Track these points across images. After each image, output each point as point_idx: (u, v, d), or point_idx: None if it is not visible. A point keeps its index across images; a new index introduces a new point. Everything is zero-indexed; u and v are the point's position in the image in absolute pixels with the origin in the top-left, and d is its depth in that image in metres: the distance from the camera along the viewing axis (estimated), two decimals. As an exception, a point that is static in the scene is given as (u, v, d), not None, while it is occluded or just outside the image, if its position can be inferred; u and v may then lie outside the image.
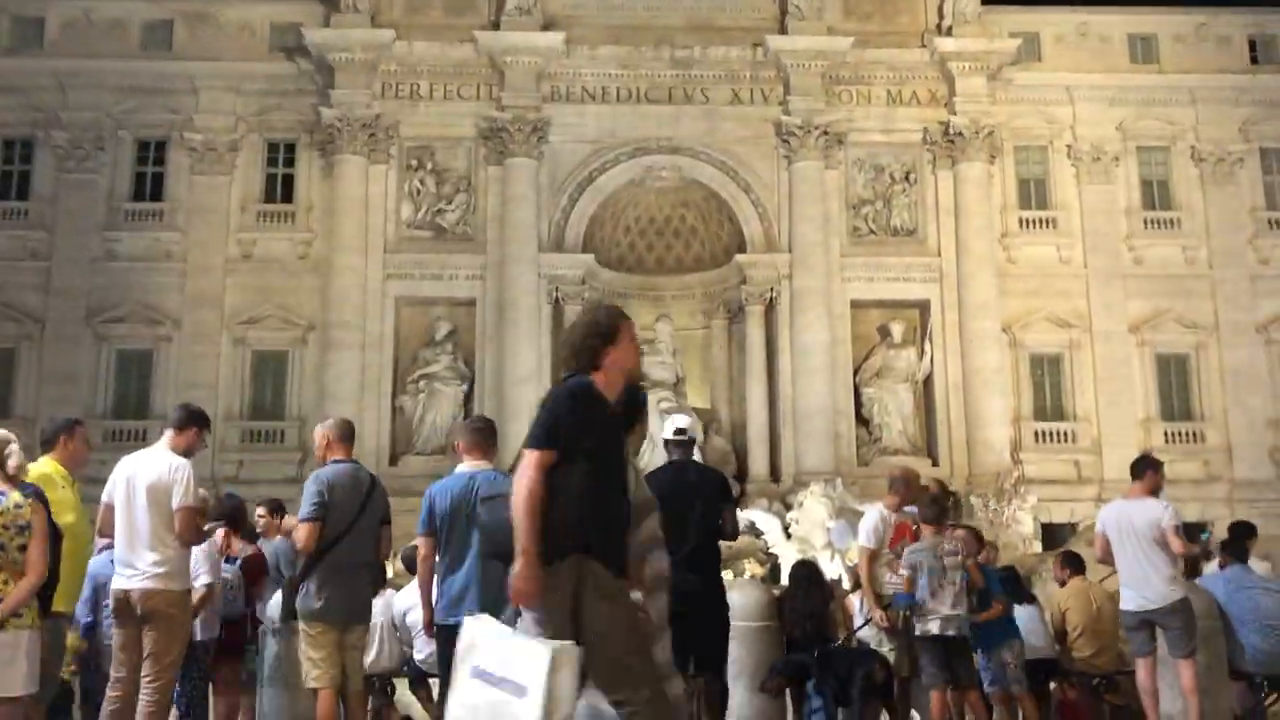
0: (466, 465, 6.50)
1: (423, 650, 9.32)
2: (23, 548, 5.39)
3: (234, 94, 30.04)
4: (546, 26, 29.38)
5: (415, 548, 10.51)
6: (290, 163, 30.09)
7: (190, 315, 29.12)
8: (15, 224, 29.68)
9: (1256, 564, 11.09)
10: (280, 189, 30.01)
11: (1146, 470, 9.16)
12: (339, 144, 28.77)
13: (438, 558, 6.35)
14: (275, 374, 29.31)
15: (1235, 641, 9.11)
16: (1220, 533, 13.98)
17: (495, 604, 6.14)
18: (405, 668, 9.66)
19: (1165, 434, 29.91)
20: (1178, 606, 8.72)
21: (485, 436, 6.60)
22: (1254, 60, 31.93)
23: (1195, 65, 31.45)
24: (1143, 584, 8.79)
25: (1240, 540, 10.28)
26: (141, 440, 28.43)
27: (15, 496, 5.53)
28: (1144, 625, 8.85)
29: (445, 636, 6.23)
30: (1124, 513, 9.04)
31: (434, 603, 6.47)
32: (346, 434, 7.06)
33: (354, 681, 6.54)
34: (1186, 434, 30.03)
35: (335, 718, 6.46)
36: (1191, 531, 30.27)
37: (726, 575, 23.76)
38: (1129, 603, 8.93)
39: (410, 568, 9.78)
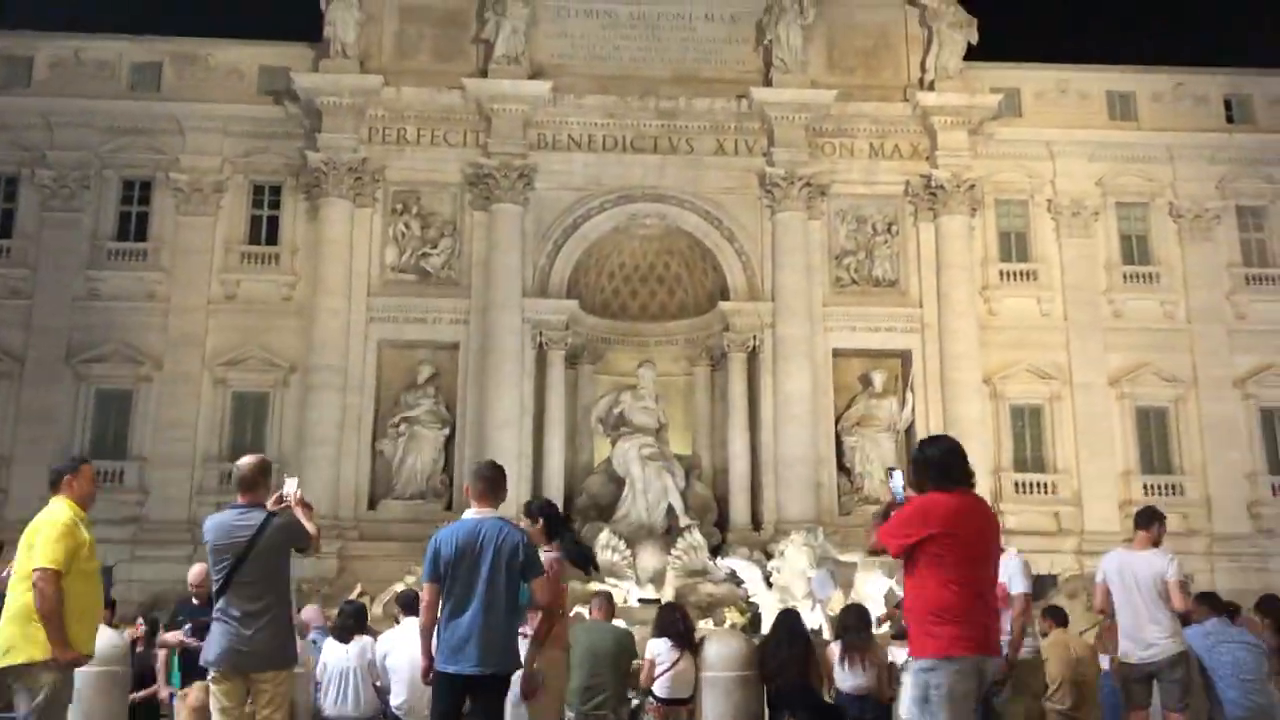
0: (474, 512, 6.36)
1: (400, 695, 9.21)
2: None
3: (221, 135, 30.14)
4: (534, 75, 29.66)
5: (411, 592, 10.40)
6: (275, 205, 30.16)
7: (171, 355, 29.00)
8: (-3, 261, 29.58)
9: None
10: (265, 231, 30.05)
11: (1153, 522, 9.19)
12: (325, 187, 28.86)
13: (441, 603, 6.19)
14: (256, 415, 29.17)
15: (1214, 696, 9.09)
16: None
17: (497, 654, 6.07)
18: (382, 714, 9.51)
19: (1145, 486, 30.01)
20: (1178, 660, 8.73)
21: (494, 485, 6.50)
22: (1230, 119, 32.49)
23: (1173, 123, 31.97)
24: (1143, 636, 8.75)
25: (1219, 599, 10.30)
26: (119, 481, 28.25)
27: None
28: (1144, 678, 8.83)
29: (444, 685, 6.12)
30: (1127, 563, 9.01)
31: (433, 650, 6.31)
32: (245, 481, 6.74)
33: None
34: (1166, 487, 30.13)
35: None
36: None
37: (707, 624, 23.68)
38: (1129, 655, 8.88)
39: (407, 610, 9.67)
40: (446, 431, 28.41)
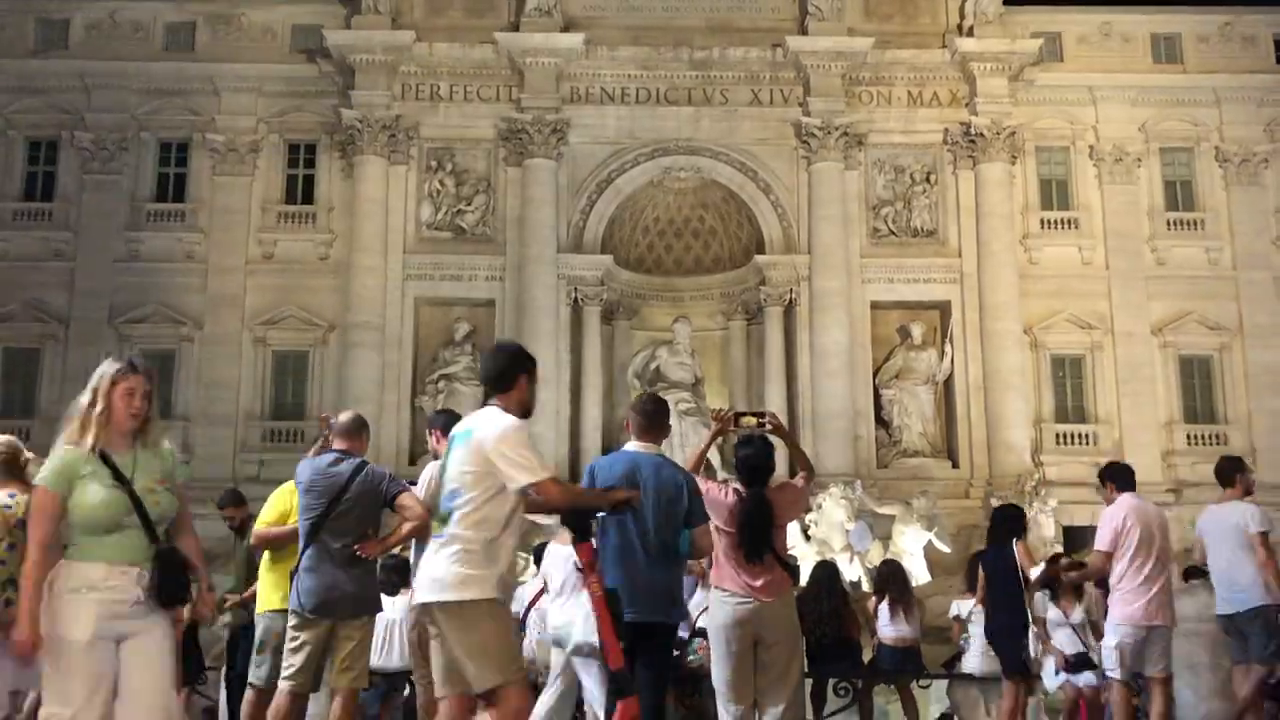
0: (635, 446, 6.00)
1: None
2: None
3: (255, 95, 30.19)
4: (566, 28, 29.41)
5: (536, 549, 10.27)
6: (311, 164, 30.23)
7: (212, 315, 29.29)
8: (40, 225, 29.92)
9: None
10: (301, 190, 30.15)
11: (1235, 475, 9.13)
12: (359, 145, 28.88)
13: (594, 542, 6.00)
14: (296, 374, 29.46)
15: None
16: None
17: (664, 603, 5.86)
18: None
19: (1188, 436, 29.71)
20: (1260, 611, 8.70)
21: (655, 421, 6.02)
22: (1279, 60, 31.64)
23: (1220, 65, 31.18)
24: (1229, 587, 8.81)
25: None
26: (163, 440, 28.66)
27: None
28: (1233, 629, 8.85)
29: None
30: (1215, 517, 9.09)
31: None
32: (344, 429, 6.70)
33: (339, 680, 6.24)
34: (1209, 436, 29.78)
35: (292, 716, 6.19)
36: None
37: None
38: (1220, 607, 8.97)
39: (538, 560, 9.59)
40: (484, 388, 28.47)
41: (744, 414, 6.49)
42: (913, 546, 24.25)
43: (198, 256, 29.64)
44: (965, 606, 9.25)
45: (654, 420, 6.02)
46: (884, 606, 9.16)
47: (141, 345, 29.29)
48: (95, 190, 29.85)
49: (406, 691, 8.20)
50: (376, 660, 9.53)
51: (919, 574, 24.07)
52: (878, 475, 27.65)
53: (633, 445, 6.05)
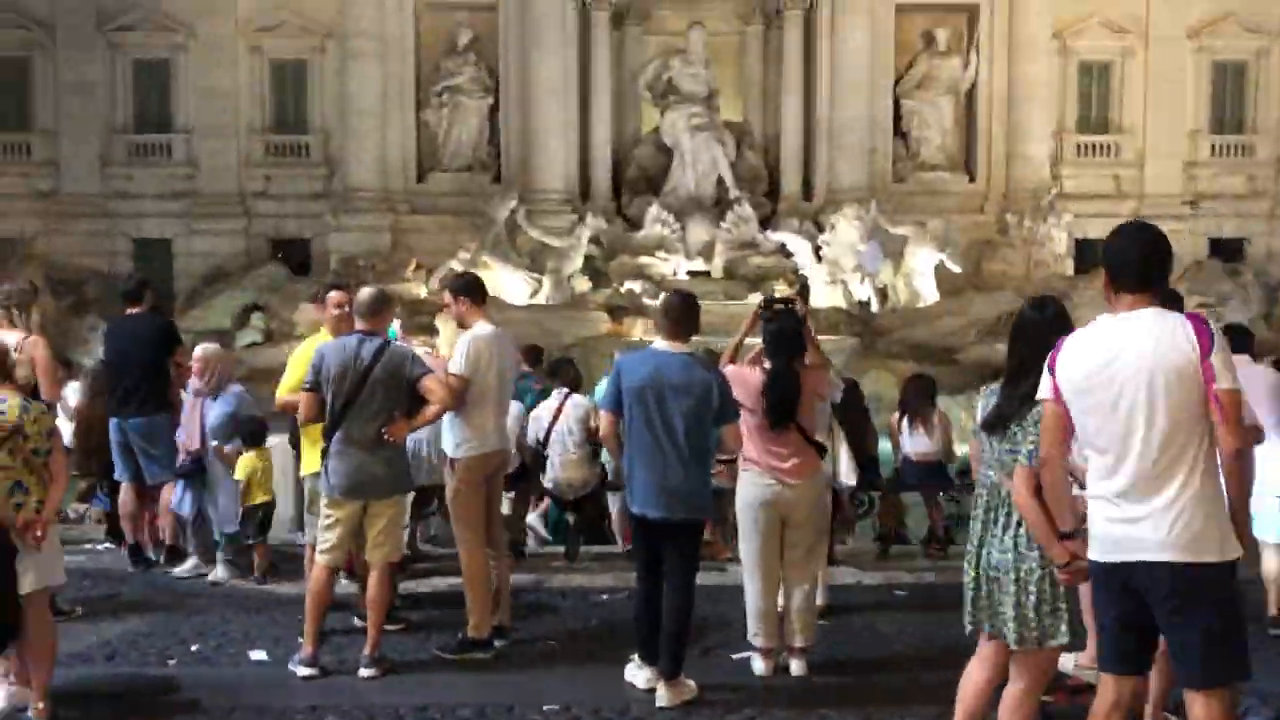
0: (663, 344, 5.86)
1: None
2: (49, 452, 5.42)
3: None
4: None
5: (568, 362, 10.21)
6: None
7: (204, 21, 27.91)
8: (12, -79, 28.02)
9: None
10: (289, -118, 27.92)
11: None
12: None
13: (624, 438, 5.84)
14: (295, 85, 28.48)
15: None
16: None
17: (698, 502, 5.87)
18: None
19: (1212, 147, 29.05)
20: None
21: (685, 320, 5.84)
22: None
23: None
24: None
25: None
26: (167, 154, 28.22)
27: (37, 406, 5.55)
28: None
29: (643, 528, 5.90)
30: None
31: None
32: (364, 309, 6.35)
33: (373, 555, 6.42)
34: (1234, 148, 29.08)
35: (327, 592, 6.41)
36: (1233, 248, 29.60)
37: (755, 296, 23.79)
38: None
39: (555, 374, 9.58)
40: (490, 100, 27.66)
41: (773, 300, 6.27)
42: (924, 266, 24.25)
43: (183, -45, 27.90)
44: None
45: (682, 322, 5.80)
46: (904, 422, 9.17)
47: (134, 54, 28.24)
48: (66, -119, 27.72)
49: (435, 505, 8.38)
50: None
51: (927, 293, 24.27)
52: (893, 190, 27.21)
53: (661, 342, 5.87)
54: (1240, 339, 6.09)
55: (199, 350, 8.65)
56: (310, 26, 27.96)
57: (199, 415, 8.44)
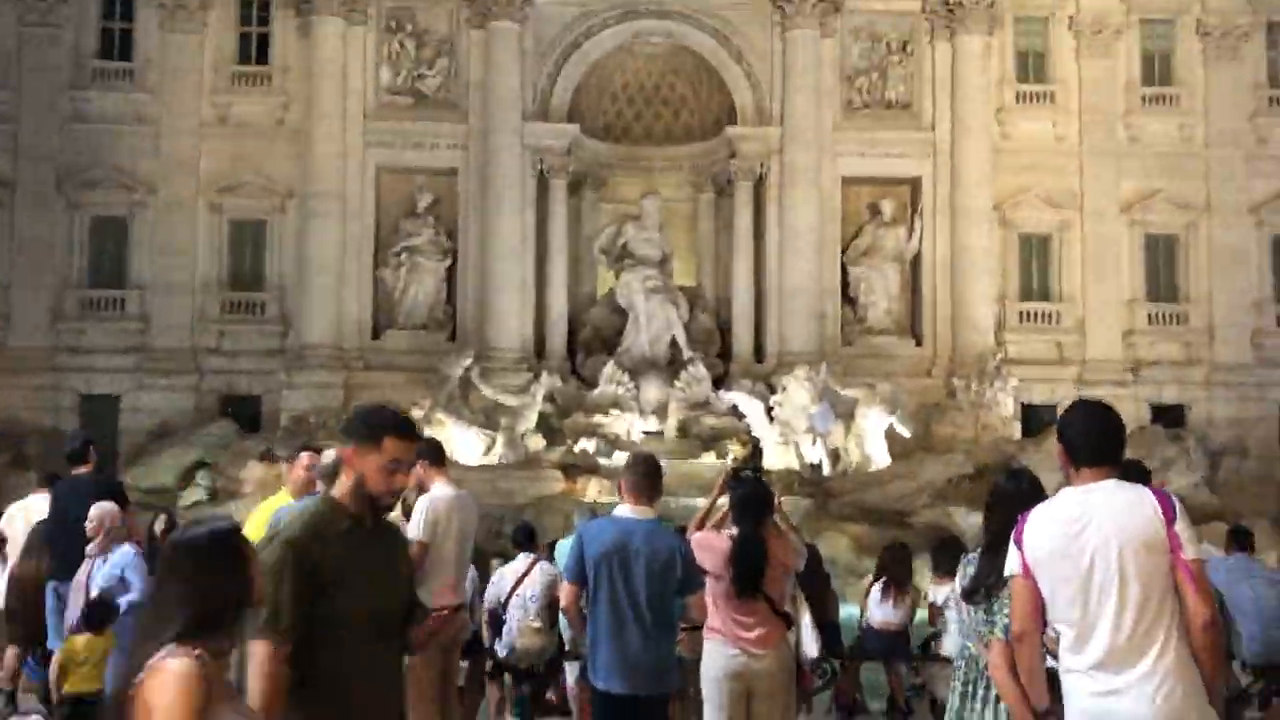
0: (627, 510, 5.73)
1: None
2: None
3: (201, -55, 28.52)
4: (531, -121, 27.81)
5: (528, 528, 9.82)
6: (265, 21, 28.79)
7: (165, 181, 28.29)
8: (-23, 82, 28.51)
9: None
10: (255, 49, 28.82)
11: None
12: (315, 3, 27.53)
13: (587, 612, 5.68)
14: (254, 243, 28.74)
15: (1233, 629, 8.96)
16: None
17: (665, 676, 5.75)
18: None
19: (1149, 315, 29.92)
20: None
21: (650, 481, 5.73)
22: (1267, -72, 30.64)
23: (1207, -68, 30.16)
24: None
25: (1245, 532, 9.99)
26: (120, 310, 28.13)
27: None
28: None
29: (609, 704, 5.68)
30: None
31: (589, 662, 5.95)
32: (328, 472, 5.72)
33: None
34: (1170, 316, 30.01)
35: None
36: (1174, 415, 30.14)
37: (708, 456, 23.77)
38: None
39: (517, 544, 9.26)
40: (448, 262, 28.09)
41: (740, 468, 6.37)
42: (874, 428, 24.54)
43: (148, 119, 28.44)
44: (942, 593, 9.30)
45: (647, 482, 5.73)
46: (878, 588, 9.10)
47: (93, 211, 28.45)
48: (35, 44, 28.31)
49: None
50: None
51: (879, 456, 24.48)
52: (842, 353, 27.73)
53: (624, 509, 5.80)
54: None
55: (93, 509, 8.11)
56: (271, 186, 28.42)
57: (85, 578, 7.84)
